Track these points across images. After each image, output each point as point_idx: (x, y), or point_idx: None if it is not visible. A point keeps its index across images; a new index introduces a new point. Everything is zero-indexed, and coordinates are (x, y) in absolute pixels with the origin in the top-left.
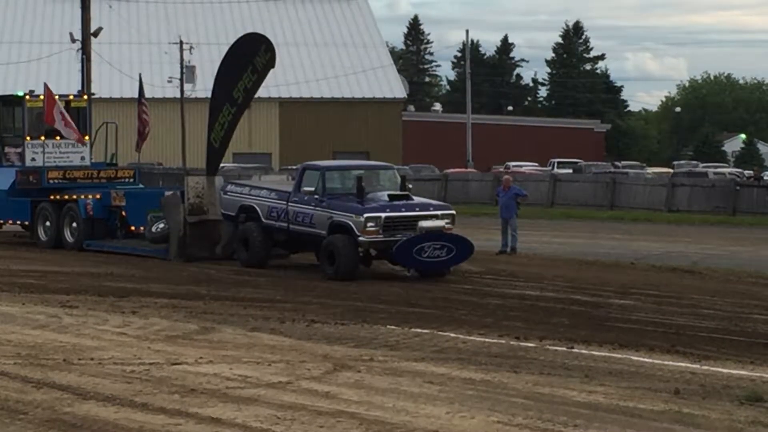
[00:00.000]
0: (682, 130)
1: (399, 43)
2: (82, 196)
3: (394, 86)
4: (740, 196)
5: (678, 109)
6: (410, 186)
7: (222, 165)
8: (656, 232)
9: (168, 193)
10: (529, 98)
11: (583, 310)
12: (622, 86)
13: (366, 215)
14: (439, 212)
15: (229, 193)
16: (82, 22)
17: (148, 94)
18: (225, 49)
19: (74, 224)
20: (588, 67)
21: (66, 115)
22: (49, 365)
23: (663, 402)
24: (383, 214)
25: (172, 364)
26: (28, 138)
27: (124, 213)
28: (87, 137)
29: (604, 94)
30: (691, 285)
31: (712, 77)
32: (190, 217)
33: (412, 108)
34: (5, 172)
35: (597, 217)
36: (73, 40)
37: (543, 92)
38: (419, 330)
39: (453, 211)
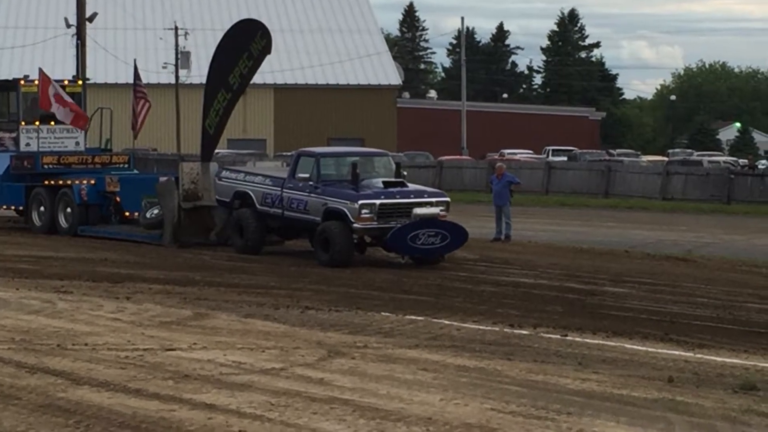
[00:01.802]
0: (677, 119)
1: (394, 30)
2: (77, 182)
3: (389, 73)
4: (735, 185)
5: (673, 97)
6: (405, 173)
7: (216, 151)
8: (651, 221)
9: (162, 179)
10: (524, 86)
11: (577, 297)
12: (617, 74)
13: (361, 202)
14: (433, 199)
15: (223, 179)
16: (77, 7)
17: (143, 80)
18: (220, 35)
19: (68, 210)
20: (583, 54)
21: (64, 96)
22: (43, 350)
23: (656, 390)
24: (378, 201)
25: (166, 350)
26: (22, 123)
27: (118, 199)
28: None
29: (599, 82)
30: (686, 273)
31: (707, 66)
32: (184, 203)
33: (407, 95)
34: (0, 157)
35: (591, 205)
36: (68, 26)
37: (538, 80)
38: (413, 317)
39: (447, 199)
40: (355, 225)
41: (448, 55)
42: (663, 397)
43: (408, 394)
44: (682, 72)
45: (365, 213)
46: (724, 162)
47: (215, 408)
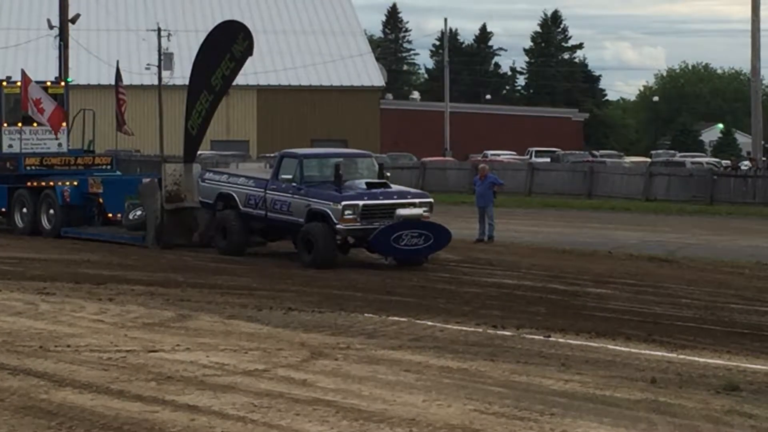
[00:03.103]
0: (660, 120)
1: (377, 31)
2: (60, 183)
3: (372, 74)
4: (717, 186)
5: (656, 98)
6: (388, 174)
7: (199, 152)
8: (634, 222)
9: (145, 181)
10: (507, 87)
11: (561, 298)
12: (600, 75)
13: (344, 203)
14: (416, 200)
15: (207, 181)
16: (60, 8)
17: (126, 81)
18: (203, 36)
19: (51, 211)
20: (566, 56)
21: (43, 100)
22: (26, 352)
23: (639, 391)
24: (361, 202)
25: (148, 352)
26: (5, 124)
27: (101, 200)
28: (64, 124)
29: (582, 83)
30: (668, 274)
31: (690, 67)
32: (167, 205)
33: (390, 96)
34: None
35: (575, 206)
36: (51, 27)
37: (521, 81)
38: (396, 318)
39: (431, 199)
40: (339, 226)
41: (431, 57)
42: (646, 397)
43: (391, 395)
44: (664, 73)
45: (348, 214)
46: (707, 163)
47: (198, 409)
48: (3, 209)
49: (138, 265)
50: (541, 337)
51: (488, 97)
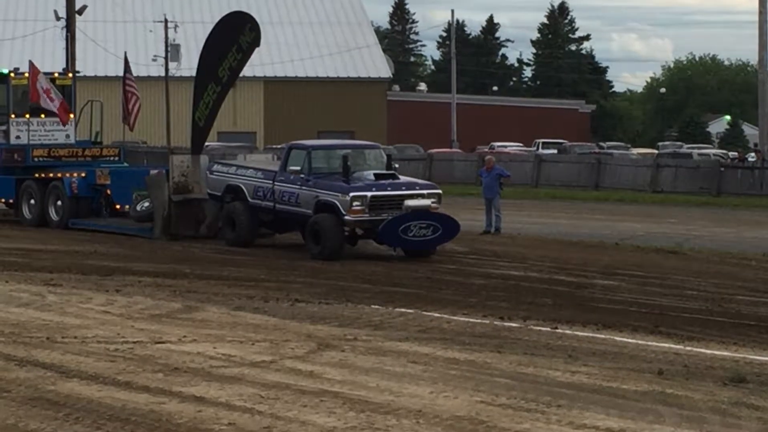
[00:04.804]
0: (667, 111)
1: (384, 23)
2: (67, 175)
3: (379, 66)
4: (724, 178)
5: (663, 90)
6: (396, 165)
7: (206, 144)
8: (640, 213)
9: (153, 172)
10: (514, 78)
11: (567, 290)
12: (607, 67)
13: (352, 194)
14: (425, 191)
15: (215, 173)
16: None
17: (133, 72)
18: (210, 27)
19: (59, 202)
20: (573, 47)
21: (52, 91)
22: (33, 343)
23: (646, 383)
24: (369, 193)
25: (155, 343)
26: (12, 116)
27: (108, 191)
28: (72, 115)
29: (589, 74)
30: (675, 266)
31: (697, 58)
32: (174, 196)
33: (397, 88)
34: None
35: (581, 198)
36: (58, 18)
37: (528, 72)
38: (403, 310)
39: (439, 191)
40: (347, 217)
41: (438, 48)
42: (653, 389)
43: (398, 386)
44: (672, 65)
45: (356, 205)
46: (714, 155)
47: (205, 401)
48: (11, 200)
49: (145, 256)
50: (548, 329)
51: (495, 88)
